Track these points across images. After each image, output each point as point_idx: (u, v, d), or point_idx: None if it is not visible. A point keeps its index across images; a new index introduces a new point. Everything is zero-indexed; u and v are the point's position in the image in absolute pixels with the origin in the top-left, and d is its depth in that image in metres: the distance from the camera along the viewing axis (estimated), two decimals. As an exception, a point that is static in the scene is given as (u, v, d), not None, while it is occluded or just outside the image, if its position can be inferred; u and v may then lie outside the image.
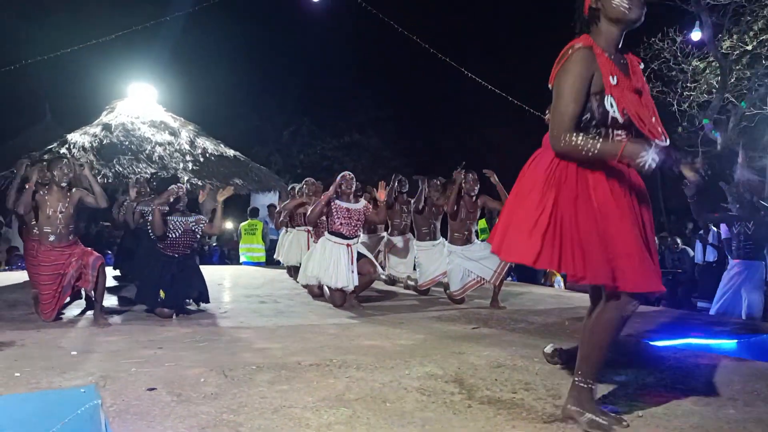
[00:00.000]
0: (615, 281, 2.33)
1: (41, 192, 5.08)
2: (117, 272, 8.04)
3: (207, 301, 5.82)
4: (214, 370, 3.38)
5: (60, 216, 5.06)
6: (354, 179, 6.42)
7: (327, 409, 2.75)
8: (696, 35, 10.08)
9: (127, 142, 13.33)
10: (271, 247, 12.33)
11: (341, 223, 6.25)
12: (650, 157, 2.20)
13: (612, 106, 2.35)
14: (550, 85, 2.44)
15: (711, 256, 9.79)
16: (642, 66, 2.53)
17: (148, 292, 5.53)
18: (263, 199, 14.28)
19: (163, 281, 5.49)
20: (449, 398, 2.95)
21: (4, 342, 4.13)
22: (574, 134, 2.28)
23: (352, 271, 6.14)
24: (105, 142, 13.04)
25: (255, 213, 12.39)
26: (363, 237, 7.80)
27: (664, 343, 4.60)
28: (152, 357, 3.78)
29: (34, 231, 5.09)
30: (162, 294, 5.46)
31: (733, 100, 10.52)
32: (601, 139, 2.27)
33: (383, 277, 8.11)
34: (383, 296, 7.26)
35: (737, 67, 10.30)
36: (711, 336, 5.02)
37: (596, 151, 2.25)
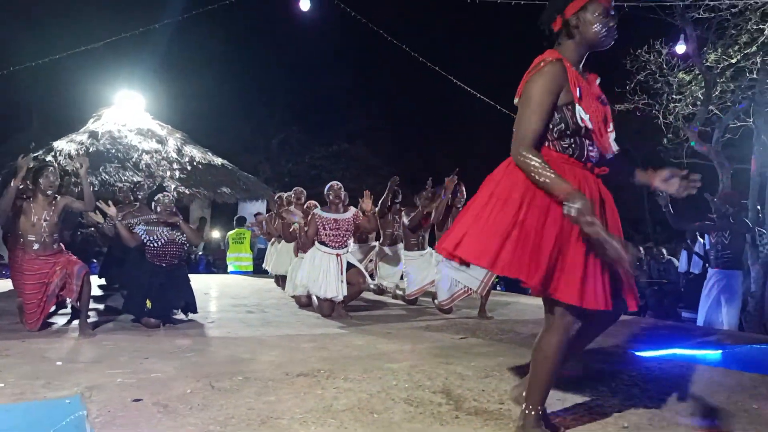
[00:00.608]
0: (558, 293, 2.27)
1: (26, 199, 5.04)
2: (102, 281, 7.98)
3: (194, 311, 5.79)
4: (201, 381, 3.37)
5: (44, 224, 5.02)
6: (342, 189, 6.43)
7: (314, 420, 2.75)
8: (681, 48, 10.20)
9: (113, 150, 13.27)
10: (258, 256, 12.32)
11: (329, 234, 6.25)
12: (578, 216, 2.16)
13: (583, 116, 2.37)
14: (516, 99, 2.44)
15: (697, 267, 9.89)
16: (599, 81, 2.55)
17: (135, 301, 5.49)
18: (251, 208, 14.25)
19: (150, 291, 5.45)
20: (437, 409, 2.96)
21: (-12, 352, 4.09)
22: (532, 153, 2.28)
23: (342, 281, 6.14)
24: (91, 149, 12.97)
25: (242, 222, 12.36)
26: (353, 246, 7.80)
27: (650, 353, 4.63)
28: (138, 367, 3.75)
29: (19, 239, 5.04)
30: (148, 304, 5.43)
31: (718, 112, 10.64)
32: (551, 172, 2.24)
33: (372, 286, 8.11)
34: (371, 306, 7.26)
35: (721, 80, 10.43)
36: (696, 346, 5.06)
37: (547, 181, 2.23)
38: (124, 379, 3.40)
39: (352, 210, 6.49)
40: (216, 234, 15.01)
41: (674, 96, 11.09)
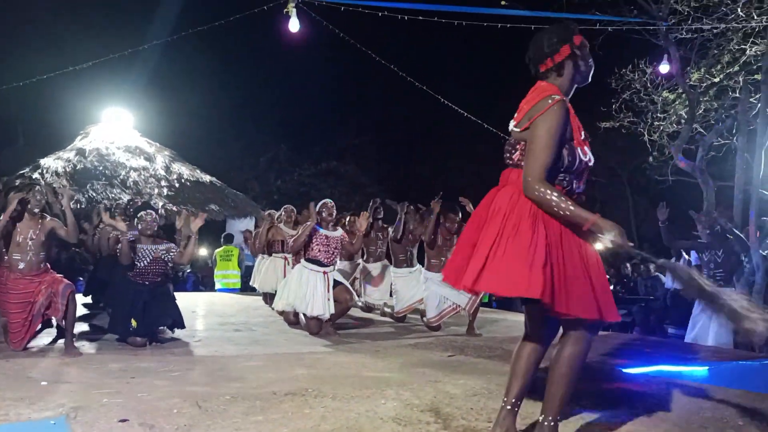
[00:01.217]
0: (599, 314, 2.44)
1: (12, 219, 5.00)
2: (88, 299, 7.91)
3: (182, 326, 5.75)
4: (188, 401, 3.34)
5: (30, 243, 4.98)
6: (334, 207, 6.46)
7: (302, 440, 2.74)
8: (664, 68, 10.35)
9: (101, 167, 13.20)
10: (246, 274, 12.26)
11: (320, 250, 6.26)
12: (616, 238, 2.41)
13: (582, 157, 2.51)
14: (516, 126, 2.54)
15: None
16: None
17: (120, 321, 5.45)
18: (239, 225, 14.19)
19: (135, 309, 5.42)
20: (425, 428, 2.95)
21: (-29, 372, 4.04)
22: (547, 186, 2.38)
23: (329, 299, 6.13)
24: (78, 167, 12.89)
25: (230, 239, 12.32)
26: (339, 264, 7.80)
27: (636, 370, 4.65)
28: (124, 387, 3.72)
29: (4, 258, 5.00)
30: (134, 323, 5.39)
31: (702, 130, 10.80)
32: (571, 203, 2.37)
33: (359, 304, 8.10)
34: (360, 324, 7.24)
35: (705, 99, 10.60)
36: (682, 363, 5.08)
37: (568, 213, 2.37)
38: (110, 399, 3.37)
39: (340, 230, 6.54)
40: (203, 251, 14.95)
41: (659, 114, 11.25)
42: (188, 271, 13.94)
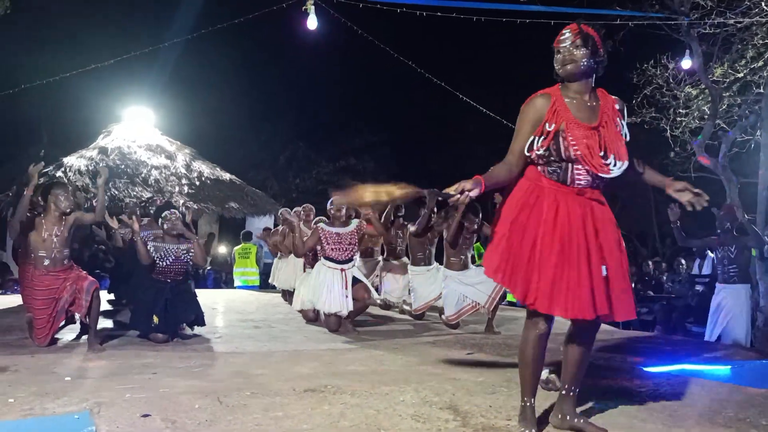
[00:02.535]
0: (527, 300, 2.64)
1: (37, 215, 5.09)
2: (111, 296, 8.01)
3: (203, 324, 5.81)
4: (209, 396, 3.38)
5: (55, 240, 5.06)
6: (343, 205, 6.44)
7: (322, 436, 2.75)
8: (687, 63, 10.21)
9: (123, 166, 13.38)
10: (265, 271, 12.34)
11: (332, 249, 6.28)
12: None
13: (561, 145, 2.65)
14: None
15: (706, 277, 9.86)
16: (619, 106, 2.81)
17: (142, 317, 5.52)
18: (259, 223, 14.31)
19: (157, 306, 5.48)
20: (444, 425, 2.95)
21: (-2, 367, 4.12)
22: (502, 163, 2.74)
23: (347, 296, 6.15)
24: (101, 165, 13.06)
25: (248, 237, 12.40)
26: (358, 262, 7.81)
27: (658, 369, 4.61)
28: (146, 382, 3.77)
29: (30, 255, 5.09)
30: (155, 319, 5.45)
31: (725, 126, 10.63)
32: (489, 176, 2.70)
33: (378, 301, 8.11)
34: (378, 321, 7.25)
35: (728, 94, 10.43)
36: (704, 362, 5.03)
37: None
38: (133, 395, 3.42)
39: (355, 222, 6.50)
40: (223, 249, 15.05)
41: (681, 110, 11.09)
42: (208, 268, 14.06)
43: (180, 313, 5.63)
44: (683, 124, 11.09)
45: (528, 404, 2.78)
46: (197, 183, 13.81)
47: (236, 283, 12.13)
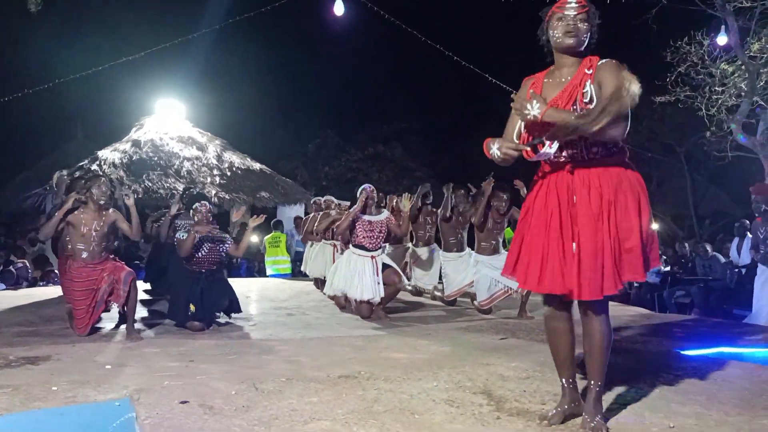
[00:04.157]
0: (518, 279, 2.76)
1: (77, 208, 5.19)
2: (147, 285, 8.16)
3: (239, 310, 5.89)
4: (245, 383, 3.43)
5: (94, 234, 5.16)
6: (375, 191, 6.46)
7: (356, 421, 2.78)
8: (722, 39, 9.94)
9: (156, 158, 13.55)
10: (297, 259, 12.45)
11: (364, 236, 6.30)
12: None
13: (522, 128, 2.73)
14: None
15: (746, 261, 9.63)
16: (592, 70, 2.63)
17: (179, 307, 5.61)
18: (289, 212, 14.41)
19: (193, 295, 5.57)
20: (478, 410, 2.95)
21: (41, 356, 4.24)
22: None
23: (378, 283, 6.17)
24: (134, 158, 13.28)
25: (278, 225, 12.51)
26: (388, 248, 7.82)
27: (696, 352, 4.54)
28: (184, 370, 3.85)
29: (68, 247, 5.21)
30: (192, 308, 5.54)
31: (763, 103, 10.33)
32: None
33: (409, 288, 8.12)
34: (410, 307, 7.27)
35: (766, 70, 10.13)
36: (743, 345, 4.93)
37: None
38: (171, 382, 3.49)
39: (386, 213, 6.53)
40: (255, 239, 15.20)
41: (717, 88, 10.79)
42: (241, 257, 14.22)
43: (216, 300, 5.72)
44: (719, 102, 10.80)
45: (563, 385, 2.80)
46: (228, 173, 13.92)
47: (268, 271, 12.25)
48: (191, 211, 5.99)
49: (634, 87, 2.42)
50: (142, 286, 8.04)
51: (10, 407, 3.00)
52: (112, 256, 5.36)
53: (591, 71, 2.62)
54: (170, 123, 14.67)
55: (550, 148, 2.54)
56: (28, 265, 10.24)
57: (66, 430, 2.94)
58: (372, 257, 6.28)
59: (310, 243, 9.09)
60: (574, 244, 2.57)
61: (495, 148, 2.67)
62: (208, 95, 18.50)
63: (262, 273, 13.04)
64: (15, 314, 6.42)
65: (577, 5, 2.63)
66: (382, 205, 6.87)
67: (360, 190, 6.46)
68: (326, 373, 3.70)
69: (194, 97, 16.48)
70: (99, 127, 18.46)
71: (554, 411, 2.77)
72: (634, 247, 2.54)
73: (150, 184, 12.67)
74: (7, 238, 13.65)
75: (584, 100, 2.59)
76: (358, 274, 6.18)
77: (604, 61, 2.63)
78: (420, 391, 3.28)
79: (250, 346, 4.81)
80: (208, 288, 5.66)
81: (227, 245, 5.88)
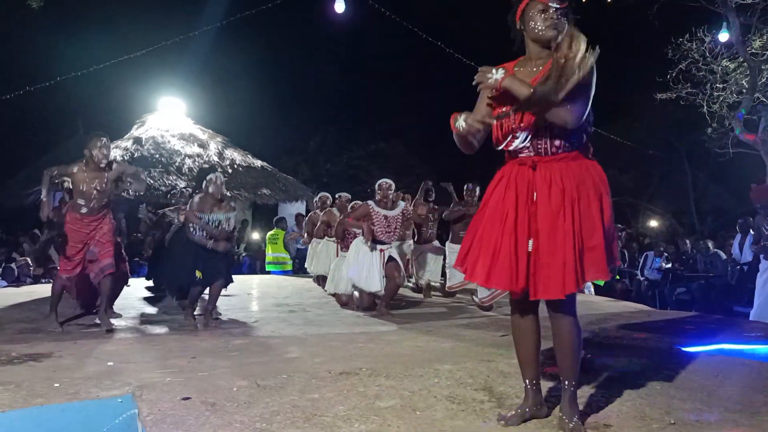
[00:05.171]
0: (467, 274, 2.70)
1: (78, 170, 5.21)
2: (150, 282, 8.18)
3: (230, 282, 5.81)
4: (247, 379, 3.44)
5: (95, 192, 5.20)
6: (391, 188, 6.47)
7: (358, 417, 2.79)
8: (723, 36, 9.93)
9: (157, 155, 13.58)
10: (297, 257, 12.48)
11: (379, 231, 6.31)
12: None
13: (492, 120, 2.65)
14: None
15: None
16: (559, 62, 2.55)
17: (184, 272, 5.56)
18: (291, 209, 14.44)
19: (199, 261, 5.52)
20: (479, 406, 2.96)
21: (43, 353, 4.25)
22: None
23: (384, 276, 6.19)
24: (136, 155, 13.30)
25: (279, 222, 12.54)
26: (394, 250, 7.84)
27: (696, 349, 4.54)
28: (186, 367, 3.86)
29: (70, 200, 5.34)
30: (198, 274, 5.51)
31: (764, 100, 10.32)
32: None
33: (410, 284, 8.13)
34: (411, 304, 7.28)
35: (767, 67, 10.12)
36: (744, 341, 4.93)
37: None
38: (173, 378, 3.50)
39: (401, 205, 6.54)
40: (256, 236, 15.23)
41: (718, 84, 10.80)
42: (243, 254, 14.25)
43: (217, 272, 5.64)
44: (720, 98, 10.81)
45: (526, 386, 2.78)
46: (230, 170, 13.95)
47: (268, 268, 12.30)
48: (204, 182, 5.73)
49: (591, 59, 2.38)
50: (144, 283, 8.09)
51: (12, 404, 3.01)
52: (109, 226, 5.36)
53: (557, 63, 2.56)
54: (172, 120, 14.70)
55: (517, 138, 2.56)
56: (29, 262, 10.26)
57: (68, 427, 2.96)
58: (381, 250, 6.30)
59: (314, 240, 9.08)
60: (531, 242, 2.52)
61: (461, 119, 2.60)
62: (209, 92, 18.52)
63: (263, 270, 13.08)
64: (17, 311, 6.44)
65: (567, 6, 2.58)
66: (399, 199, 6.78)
67: (377, 186, 6.48)
68: (327, 369, 3.70)
69: (195, 94, 16.50)
70: (101, 124, 18.42)
71: (514, 412, 2.73)
72: (597, 245, 2.48)
73: (151, 182, 12.69)
74: (8, 235, 13.67)
75: None
76: (366, 266, 6.20)
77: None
78: (421, 387, 3.29)
79: (252, 342, 4.82)
80: (211, 257, 5.60)
81: (231, 223, 5.73)
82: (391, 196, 6.44)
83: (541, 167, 2.56)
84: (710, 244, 10.48)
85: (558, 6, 2.55)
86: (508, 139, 2.60)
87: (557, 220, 2.48)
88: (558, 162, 2.56)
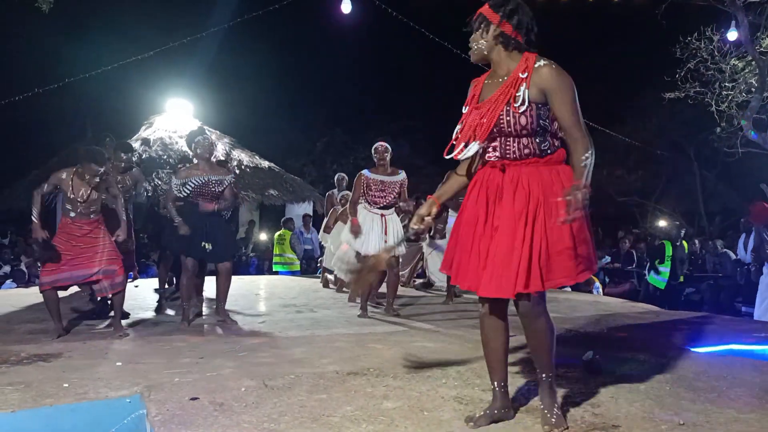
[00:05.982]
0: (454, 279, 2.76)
1: (66, 176, 5.19)
2: (157, 284, 8.20)
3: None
4: (255, 380, 3.45)
5: (79, 201, 5.14)
6: (387, 150, 6.36)
7: (365, 418, 2.79)
8: (732, 35, 9.88)
9: (165, 156, 13.63)
10: (304, 257, 12.49)
11: (374, 194, 6.27)
12: None
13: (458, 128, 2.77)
14: None
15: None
16: (525, 74, 2.56)
17: (193, 244, 5.50)
18: (298, 210, 14.45)
19: (207, 234, 5.49)
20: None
21: (52, 353, 4.28)
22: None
23: (385, 241, 6.12)
24: (144, 156, 13.33)
25: (286, 223, 12.55)
26: (402, 248, 7.77)
27: (706, 349, 4.52)
28: (194, 367, 3.87)
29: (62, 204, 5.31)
30: (208, 246, 5.48)
31: (773, 98, 10.28)
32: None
33: (421, 281, 8.14)
34: (420, 304, 7.27)
35: (776, 66, 10.07)
36: (754, 342, 4.91)
37: None
38: (181, 379, 3.51)
39: (402, 175, 6.44)
40: (264, 236, 15.26)
41: (727, 83, 10.75)
42: (251, 255, 14.29)
43: (229, 243, 5.59)
44: (729, 98, 10.75)
45: (494, 388, 2.77)
46: (237, 171, 13.97)
47: (275, 268, 12.32)
48: (193, 144, 5.69)
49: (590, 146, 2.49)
50: (151, 284, 8.12)
51: (22, 403, 3.04)
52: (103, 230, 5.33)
53: (526, 74, 2.55)
54: (179, 121, 14.74)
55: (471, 148, 2.66)
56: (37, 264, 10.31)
57: (77, 426, 2.98)
58: (382, 215, 6.26)
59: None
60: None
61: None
62: (216, 94, 18.57)
63: (271, 270, 13.12)
64: (26, 312, 6.48)
65: (476, 21, 2.73)
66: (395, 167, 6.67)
67: (373, 149, 6.44)
68: (335, 369, 3.71)
69: (203, 95, 16.55)
70: (109, 125, 18.51)
71: (482, 413, 2.73)
72: (564, 249, 2.48)
73: (159, 183, 12.74)
74: (18, 237, 13.75)
75: (515, 104, 2.55)
76: (365, 229, 6.18)
77: (540, 63, 2.55)
78: (429, 387, 3.29)
79: (260, 343, 4.83)
80: (216, 230, 5.59)
81: (225, 184, 5.68)
82: (388, 159, 6.37)
83: (509, 170, 2.61)
84: (719, 244, 10.43)
85: (469, 29, 2.72)
86: (460, 148, 2.69)
87: (517, 223, 2.51)
88: (527, 166, 2.59)
